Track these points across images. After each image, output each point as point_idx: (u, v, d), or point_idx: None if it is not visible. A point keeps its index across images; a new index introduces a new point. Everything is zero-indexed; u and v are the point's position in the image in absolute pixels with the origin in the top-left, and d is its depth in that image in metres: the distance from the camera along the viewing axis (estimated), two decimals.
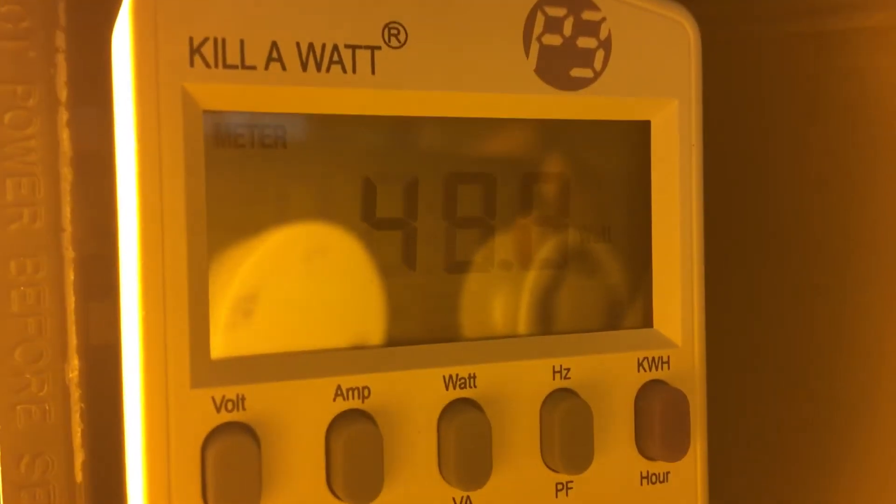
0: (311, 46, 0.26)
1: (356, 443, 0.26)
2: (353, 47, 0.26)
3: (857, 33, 0.33)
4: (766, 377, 0.37)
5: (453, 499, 0.28)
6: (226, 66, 0.25)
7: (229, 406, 0.25)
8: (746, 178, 0.37)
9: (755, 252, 0.37)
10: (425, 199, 0.29)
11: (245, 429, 0.25)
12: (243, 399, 0.25)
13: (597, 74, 0.29)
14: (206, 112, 0.25)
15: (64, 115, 0.28)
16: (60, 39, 0.28)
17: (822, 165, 0.35)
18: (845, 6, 0.33)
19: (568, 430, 0.28)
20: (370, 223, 0.28)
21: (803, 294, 0.35)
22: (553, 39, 0.29)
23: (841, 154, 0.34)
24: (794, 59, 0.35)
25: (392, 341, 0.28)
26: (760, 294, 0.37)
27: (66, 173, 0.28)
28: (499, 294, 0.30)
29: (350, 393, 0.27)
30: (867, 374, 0.34)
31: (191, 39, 0.25)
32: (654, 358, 0.30)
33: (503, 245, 0.30)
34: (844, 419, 0.34)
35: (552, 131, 0.30)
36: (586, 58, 0.29)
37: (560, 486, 0.29)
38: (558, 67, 0.29)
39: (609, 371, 0.29)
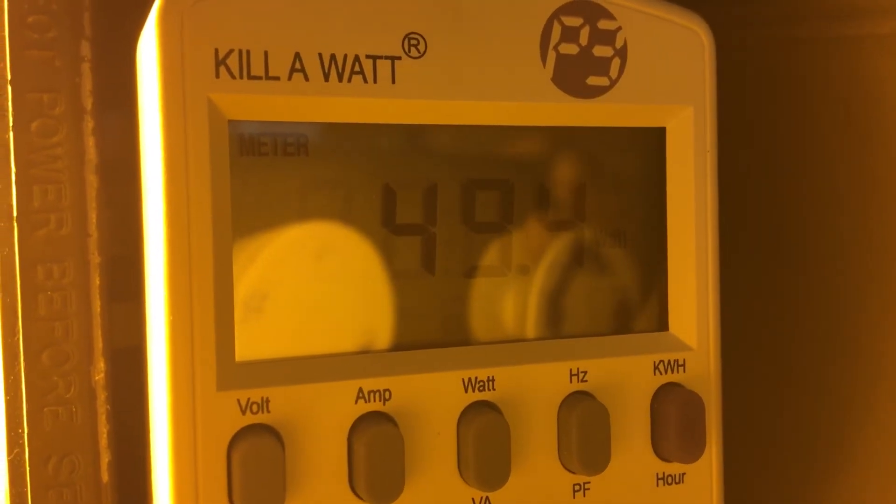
0: (332, 57, 0.26)
1: (378, 444, 0.26)
2: (374, 57, 0.27)
3: (871, 40, 0.33)
4: (781, 379, 0.37)
5: (472, 499, 0.28)
6: (250, 76, 0.26)
7: (254, 408, 0.26)
8: (760, 184, 0.38)
9: (769, 256, 0.37)
10: (444, 205, 0.29)
11: (270, 431, 0.26)
12: (268, 401, 0.26)
13: (613, 82, 0.30)
14: (231, 121, 0.26)
15: (89, 123, 0.28)
16: (86, 49, 0.28)
17: (835, 170, 0.35)
18: (859, 13, 0.34)
19: (585, 431, 0.29)
20: (390, 229, 0.28)
21: (818, 297, 0.36)
22: (569, 48, 0.29)
23: (853, 159, 0.34)
24: (807, 65, 0.36)
25: (412, 345, 0.28)
26: (775, 297, 0.37)
27: (92, 180, 0.28)
28: (516, 298, 0.30)
29: (372, 395, 0.27)
30: (884, 378, 0.34)
31: (216, 51, 0.25)
32: (669, 361, 0.30)
33: (521, 250, 0.30)
34: (860, 421, 0.34)
35: (569, 138, 0.30)
36: (602, 66, 0.29)
37: (577, 487, 0.29)
38: (575, 76, 0.29)
39: (625, 374, 0.30)
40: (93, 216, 0.28)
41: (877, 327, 0.34)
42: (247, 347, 0.27)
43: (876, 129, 0.34)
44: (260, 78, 0.26)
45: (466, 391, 0.28)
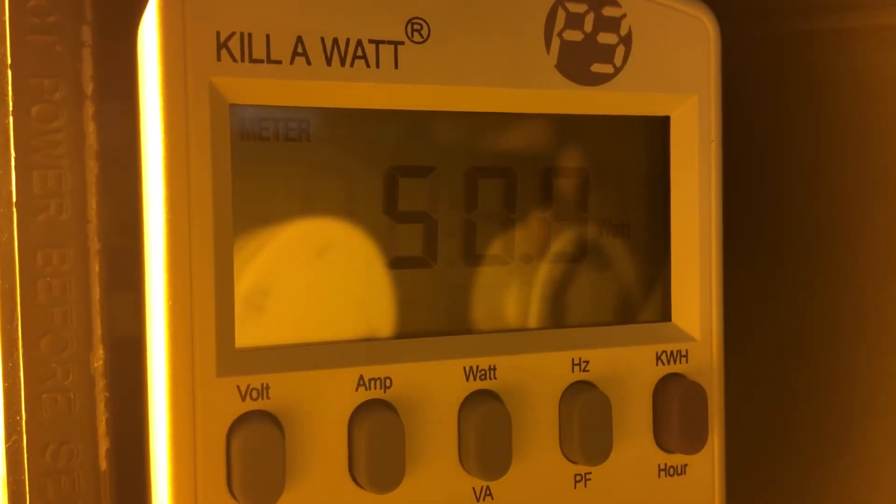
0: (335, 41, 0.26)
1: (378, 432, 0.26)
2: (377, 42, 0.27)
3: (875, 31, 0.33)
4: (785, 370, 0.37)
5: (473, 488, 0.28)
6: (252, 60, 0.26)
7: (254, 395, 0.26)
8: (763, 174, 0.37)
9: (773, 247, 0.37)
10: (446, 193, 0.29)
11: (269, 417, 0.26)
12: (268, 388, 0.26)
13: (617, 70, 0.29)
14: (232, 106, 0.26)
15: (90, 109, 0.28)
16: (87, 34, 0.28)
17: (840, 162, 0.35)
18: (863, 4, 0.33)
19: (587, 421, 0.28)
20: (392, 216, 0.28)
21: (821, 288, 0.36)
22: (574, 35, 0.29)
23: (858, 151, 0.34)
24: (810, 56, 0.35)
25: (413, 333, 0.28)
26: (779, 288, 0.37)
27: (92, 166, 0.28)
28: (519, 287, 0.30)
29: (372, 383, 0.27)
30: (886, 369, 0.34)
31: (218, 34, 0.25)
32: (672, 351, 0.30)
33: (523, 238, 0.30)
34: (863, 412, 0.34)
35: (572, 126, 0.30)
36: (607, 53, 0.29)
37: (579, 478, 0.29)
38: (579, 63, 0.29)
39: (628, 364, 0.30)
40: (93, 202, 0.28)
41: (881, 319, 0.34)
42: (247, 333, 0.26)
43: (881, 121, 0.33)
44: (262, 61, 0.26)
45: (468, 380, 0.28)
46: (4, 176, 0.27)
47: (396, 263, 0.28)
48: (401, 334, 0.28)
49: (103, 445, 0.28)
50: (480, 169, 0.29)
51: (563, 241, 0.30)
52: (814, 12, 0.35)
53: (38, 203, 0.27)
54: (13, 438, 0.27)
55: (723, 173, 0.31)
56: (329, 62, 0.26)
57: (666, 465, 0.30)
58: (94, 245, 0.28)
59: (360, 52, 0.26)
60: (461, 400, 0.28)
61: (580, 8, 0.29)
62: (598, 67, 0.29)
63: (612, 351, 0.30)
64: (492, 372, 0.28)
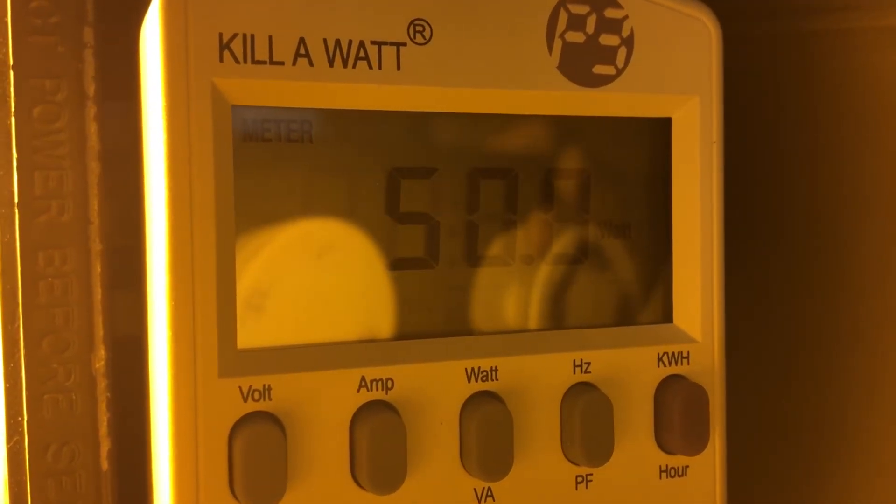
0: (337, 42, 0.26)
1: (380, 433, 0.26)
2: (379, 43, 0.27)
3: (873, 32, 0.33)
4: (786, 372, 0.37)
5: (475, 490, 0.28)
6: (254, 61, 0.26)
7: (256, 396, 0.26)
8: (760, 174, 0.37)
9: (774, 248, 0.37)
10: (448, 194, 0.29)
11: (271, 418, 0.26)
12: (270, 389, 0.26)
13: (619, 71, 0.29)
14: (234, 107, 0.26)
15: (92, 110, 0.28)
16: (88, 35, 0.28)
17: (840, 163, 0.35)
18: (861, 5, 0.34)
19: (588, 423, 0.28)
20: (394, 217, 0.28)
21: (822, 289, 0.36)
22: (576, 37, 0.29)
23: (856, 151, 0.34)
24: (809, 57, 0.35)
25: (415, 334, 0.28)
26: (780, 289, 0.37)
27: (94, 167, 0.28)
28: (520, 288, 0.30)
29: (374, 384, 0.27)
30: (884, 369, 0.34)
31: (220, 35, 0.25)
32: (673, 353, 0.30)
33: (525, 240, 0.30)
34: (864, 414, 0.34)
35: (574, 127, 0.30)
36: (609, 55, 0.29)
37: (580, 479, 0.29)
38: (581, 64, 0.29)
39: (629, 365, 0.30)
40: (94, 203, 0.28)
41: (881, 320, 0.34)
42: (249, 335, 0.26)
43: (879, 122, 0.33)
44: (264, 63, 0.26)
45: (469, 381, 0.28)
46: (6, 176, 0.27)
47: (398, 264, 0.28)
48: (402, 335, 0.28)
49: (105, 446, 0.28)
50: (482, 170, 0.29)
51: (564, 243, 0.30)
52: (813, 13, 0.35)
53: (39, 204, 0.27)
54: (15, 439, 0.27)
55: (724, 174, 0.31)
56: (331, 63, 0.26)
57: (667, 466, 0.30)
58: (96, 246, 0.28)
59: (362, 54, 0.27)
60: (463, 401, 0.28)
61: (582, 9, 0.29)
62: (599, 69, 0.29)
63: (614, 352, 0.30)
64: (493, 373, 0.28)
